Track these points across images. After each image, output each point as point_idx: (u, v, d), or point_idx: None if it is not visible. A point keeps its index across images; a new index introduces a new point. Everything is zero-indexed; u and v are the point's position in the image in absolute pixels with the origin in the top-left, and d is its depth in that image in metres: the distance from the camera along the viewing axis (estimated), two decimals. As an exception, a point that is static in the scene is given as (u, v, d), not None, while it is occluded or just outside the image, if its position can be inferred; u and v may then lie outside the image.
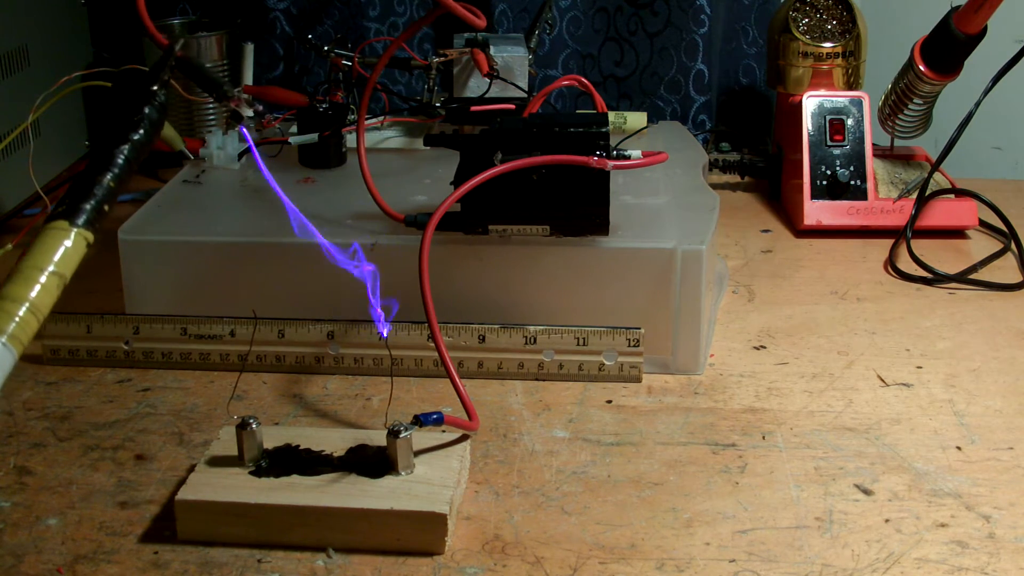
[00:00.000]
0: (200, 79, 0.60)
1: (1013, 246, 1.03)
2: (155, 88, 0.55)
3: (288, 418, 0.76)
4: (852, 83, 1.13)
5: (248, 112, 0.65)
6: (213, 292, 0.83)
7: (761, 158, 1.20)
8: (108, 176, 0.51)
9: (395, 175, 0.96)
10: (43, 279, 0.48)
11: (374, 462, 0.65)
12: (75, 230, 0.49)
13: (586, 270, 0.81)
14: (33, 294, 0.48)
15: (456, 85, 0.99)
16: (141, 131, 0.54)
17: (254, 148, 0.71)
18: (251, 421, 0.64)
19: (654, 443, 0.72)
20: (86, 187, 0.51)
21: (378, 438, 0.66)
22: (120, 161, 0.52)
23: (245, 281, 0.83)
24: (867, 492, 0.67)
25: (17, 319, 0.47)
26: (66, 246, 0.49)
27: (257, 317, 0.81)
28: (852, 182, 1.07)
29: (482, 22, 0.86)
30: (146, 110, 0.54)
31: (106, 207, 0.51)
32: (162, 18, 1.28)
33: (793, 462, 0.70)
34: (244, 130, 0.69)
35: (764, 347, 0.86)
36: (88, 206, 0.50)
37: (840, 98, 1.10)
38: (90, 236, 0.50)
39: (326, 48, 1.01)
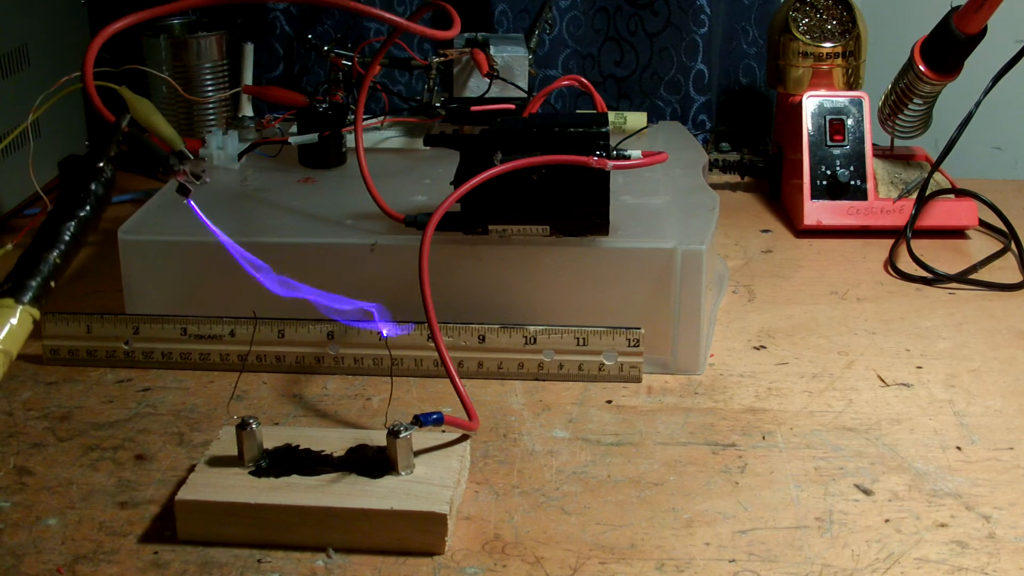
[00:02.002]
0: (146, 153, 0.60)
1: (1013, 246, 1.03)
2: (101, 164, 0.55)
3: (288, 418, 0.76)
4: (852, 83, 1.13)
5: (196, 182, 0.64)
6: (213, 292, 0.83)
7: (761, 158, 1.20)
8: (54, 253, 0.52)
9: (395, 175, 0.96)
10: None
11: (374, 462, 0.65)
12: (20, 307, 0.50)
13: (586, 270, 0.81)
14: None
15: (456, 85, 0.99)
16: (88, 208, 0.54)
17: (201, 215, 0.71)
18: (251, 421, 0.64)
19: (654, 443, 0.72)
20: (32, 264, 0.51)
21: (378, 438, 0.66)
22: (66, 238, 0.53)
23: (245, 281, 0.83)
24: (867, 492, 0.67)
25: None
26: (12, 323, 0.49)
27: (257, 317, 0.81)
28: (852, 182, 1.07)
29: (451, 33, 0.85)
30: (93, 186, 0.54)
31: (52, 283, 0.52)
32: (162, 18, 1.28)
33: (793, 462, 0.70)
34: (192, 204, 0.69)
35: (764, 347, 0.86)
36: (34, 283, 0.51)
37: (840, 98, 1.10)
38: (36, 313, 0.50)
39: (326, 48, 1.01)
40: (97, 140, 0.57)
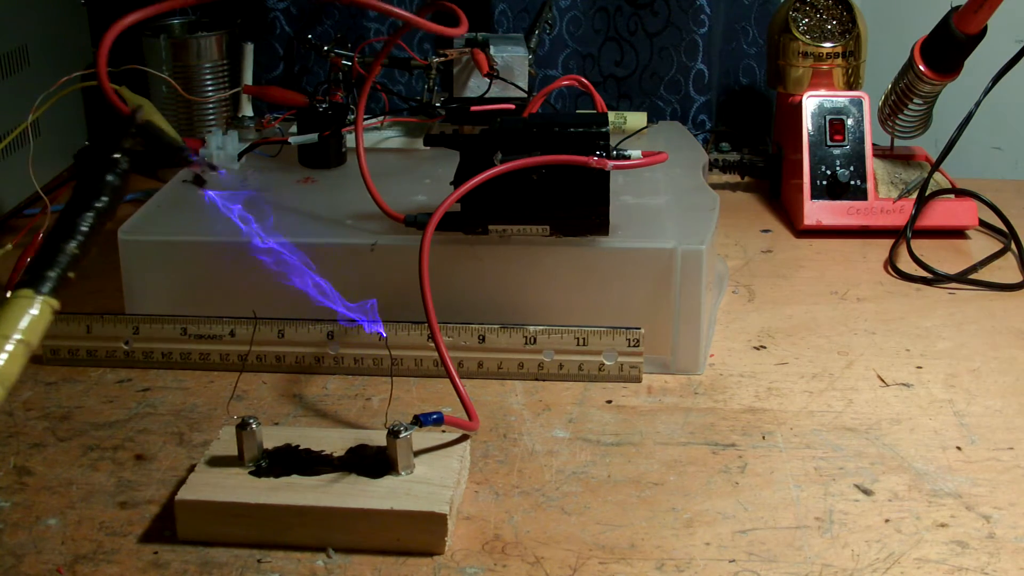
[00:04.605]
0: (161, 145, 0.61)
1: (1013, 246, 1.03)
2: (117, 156, 0.55)
3: (288, 418, 0.76)
4: (852, 83, 1.13)
5: (212, 171, 0.64)
6: (213, 292, 0.83)
7: (761, 158, 1.20)
8: (72, 244, 0.52)
9: (395, 175, 0.96)
10: (9, 347, 0.49)
11: (374, 462, 0.65)
12: (40, 298, 0.50)
13: (586, 270, 0.81)
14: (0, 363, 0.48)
15: (456, 85, 0.99)
16: (104, 199, 0.54)
17: (219, 201, 0.71)
18: (251, 421, 0.64)
19: (654, 443, 0.72)
20: (50, 255, 0.51)
21: (378, 438, 0.66)
22: (83, 228, 0.53)
23: (245, 281, 0.83)
24: (867, 492, 0.67)
25: None
26: (32, 314, 0.49)
27: (257, 317, 0.81)
28: (852, 182, 1.07)
29: (461, 30, 0.85)
30: (108, 177, 0.54)
31: (70, 274, 0.52)
32: (162, 18, 1.28)
33: (793, 462, 0.70)
34: (209, 194, 0.68)
35: (764, 347, 0.86)
36: (52, 274, 0.51)
37: (840, 98, 1.10)
38: (55, 303, 0.51)
39: (326, 48, 1.01)
40: (112, 131, 0.57)
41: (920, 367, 0.82)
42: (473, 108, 0.98)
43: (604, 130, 0.78)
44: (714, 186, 1.06)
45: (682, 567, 0.60)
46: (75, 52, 1.29)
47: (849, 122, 1.09)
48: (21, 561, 0.61)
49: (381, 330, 0.77)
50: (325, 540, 0.62)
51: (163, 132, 0.61)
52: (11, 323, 0.49)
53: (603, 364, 0.80)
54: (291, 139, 0.98)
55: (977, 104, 1.03)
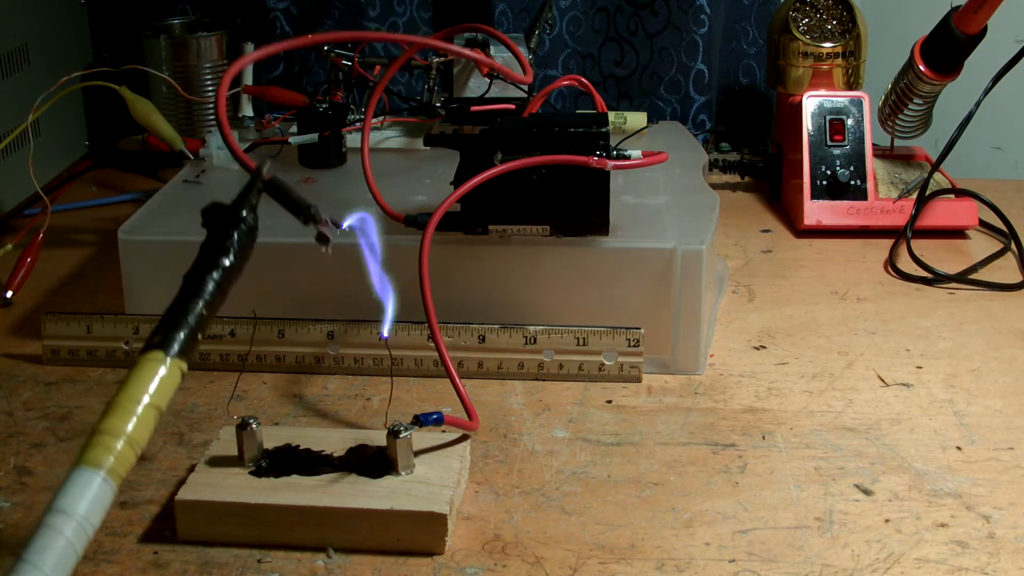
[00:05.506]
0: (287, 201, 0.60)
1: (1013, 246, 1.03)
2: (244, 213, 0.55)
3: (288, 418, 0.76)
4: (852, 83, 1.13)
5: (335, 233, 0.63)
6: (213, 292, 0.83)
7: (761, 158, 1.20)
8: (200, 304, 0.52)
9: (395, 175, 0.96)
10: (140, 411, 0.48)
11: (374, 462, 0.65)
12: (170, 360, 0.50)
13: (586, 270, 0.81)
14: (130, 427, 0.48)
15: (456, 85, 0.99)
16: (232, 256, 0.54)
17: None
18: (251, 421, 0.64)
19: (654, 443, 0.72)
20: (178, 316, 0.51)
21: (378, 438, 0.66)
22: (211, 287, 0.52)
23: (245, 281, 0.83)
24: (867, 492, 0.67)
25: (116, 453, 0.47)
26: (161, 376, 0.49)
27: (257, 317, 0.81)
28: (852, 182, 1.07)
29: (527, 79, 0.88)
30: (235, 235, 0.54)
31: (199, 335, 0.51)
32: (162, 18, 1.28)
33: (793, 462, 0.70)
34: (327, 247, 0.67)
35: (764, 347, 0.86)
36: (181, 335, 0.50)
37: (840, 98, 1.10)
38: (184, 365, 0.50)
39: (326, 48, 1.01)
40: (240, 189, 0.56)
41: (920, 367, 0.82)
42: (473, 108, 0.98)
43: (604, 130, 0.78)
44: (714, 186, 1.06)
45: (682, 567, 0.60)
46: (75, 52, 1.29)
47: (849, 122, 1.09)
48: (21, 561, 0.61)
49: (384, 332, 0.77)
50: (325, 540, 0.62)
51: (290, 188, 0.59)
52: (141, 386, 0.49)
53: (603, 364, 0.80)
54: (291, 139, 0.98)
55: (977, 104, 1.03)
